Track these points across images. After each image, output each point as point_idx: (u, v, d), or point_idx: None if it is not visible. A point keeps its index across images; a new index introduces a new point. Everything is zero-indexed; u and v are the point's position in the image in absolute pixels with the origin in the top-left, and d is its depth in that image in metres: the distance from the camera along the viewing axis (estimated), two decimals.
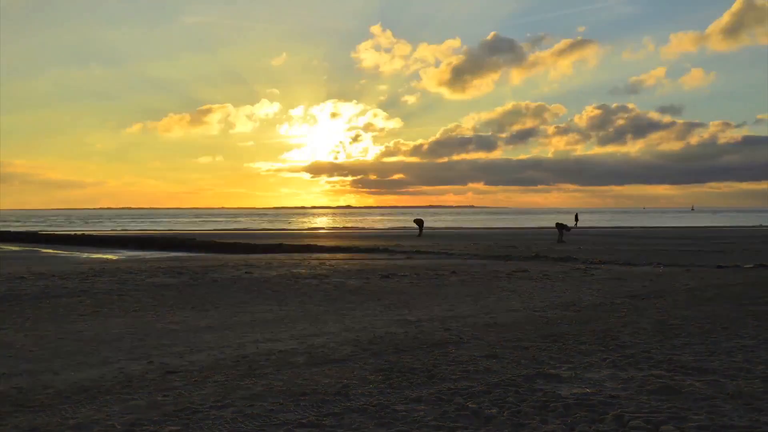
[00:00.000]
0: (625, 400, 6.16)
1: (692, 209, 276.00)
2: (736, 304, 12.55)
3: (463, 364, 7.77)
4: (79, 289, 15.90)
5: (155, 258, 29.44)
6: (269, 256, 29.73)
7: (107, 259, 31.74)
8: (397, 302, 13.62)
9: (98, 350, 8.97)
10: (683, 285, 16.02)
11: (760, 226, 73.39)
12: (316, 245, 35.81)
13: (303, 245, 36.17)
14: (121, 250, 40.81)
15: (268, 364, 7.85)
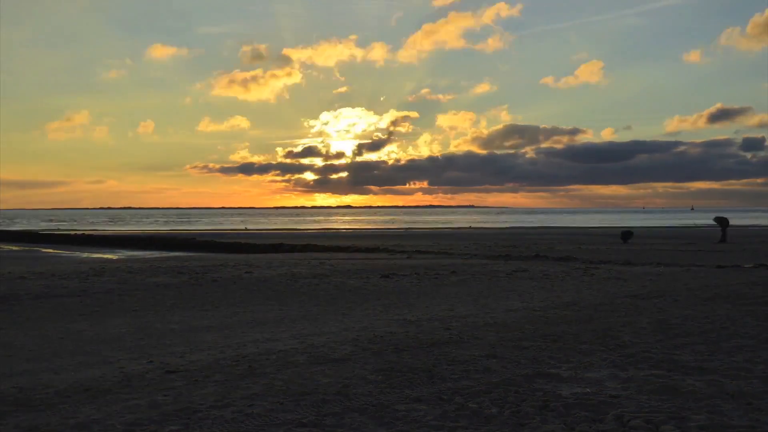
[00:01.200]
0: (625, 400, 6.16)
1: (692, 209, 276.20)
2: (736, 304, 12.54)
3: (463, 363, 7.77)
4: (79, 289, 15.91)
5: (155, 258, 29.45)
6: (269, 255, 29.75)
7: (107, 258, 31.76)
8: (397, 302, 13.62)
9: (98, 350, 8.98)
10: (683, 285, 16.02)
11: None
12: (315, 245, 35.82)
13: (303, 245, 36.19)
14: (121, 250, 40.83)
15: (268, 364, 7.85)
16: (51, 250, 41.02)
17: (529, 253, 28.36)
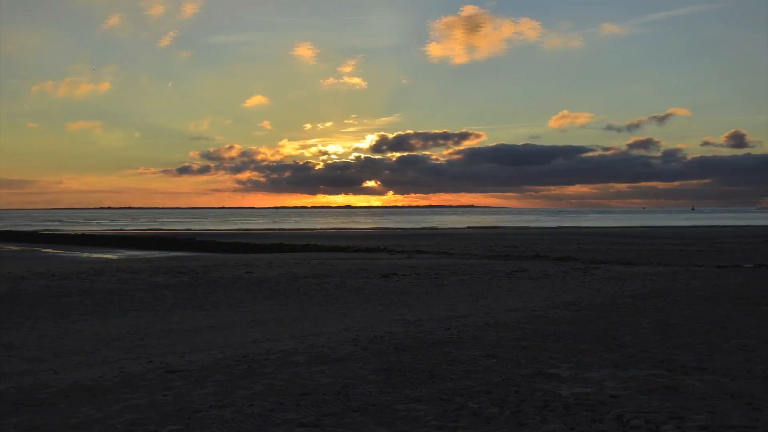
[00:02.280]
0: (625, 400, 6.16)
1: (692, 209, 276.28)
2: (736, 304, 12.54)
3: (463, 363, 7.77)
4: (79, 289, 15.91)
5: (155, 258, 29.44)
6: (269, 255, 29.74)
7: (107, 258, 31.75)
8: (397, 302, 13.62)
9: (98, 350, 8.98)
10: (683, 285, 16.02)
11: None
12: (315, 245, 35.82)
13: (303, 245, 36.19)
14: (121, 250, 40.83)
15: (268, 364, 7.85)
16: (51, 250, 41.01)
17: (529, 253, 28.35)
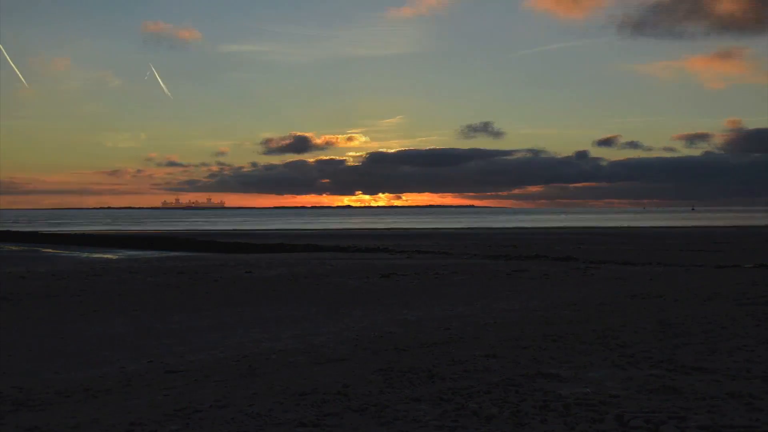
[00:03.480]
0: (625, 400, 6.15)
1: (692, 209, 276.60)
2: (736, 304, 12.53)
3: (463, 363, 7.77)
4: (79, 289, 15.91)
5: (155, 258, 29.45)
6: (269, 255, 29.74)
7: (107, 258, 31.76)
8: (397, 302, 13.62)
9: (99, 350, 8.98)
10: (683, 285, 16.02)
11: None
12: (315, 245, 35.82)
13: (303, 245, 36.19)
14: (121, 250, 40.83)
15: (268, 364, 7.85)
16: (51, 250, 41.01)
17: (529, 253, 28.35)
